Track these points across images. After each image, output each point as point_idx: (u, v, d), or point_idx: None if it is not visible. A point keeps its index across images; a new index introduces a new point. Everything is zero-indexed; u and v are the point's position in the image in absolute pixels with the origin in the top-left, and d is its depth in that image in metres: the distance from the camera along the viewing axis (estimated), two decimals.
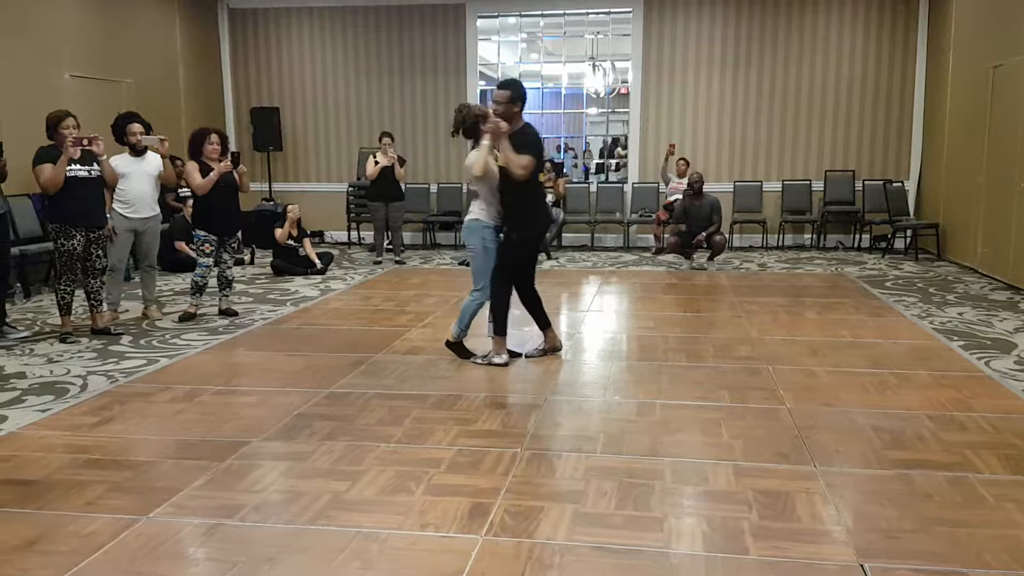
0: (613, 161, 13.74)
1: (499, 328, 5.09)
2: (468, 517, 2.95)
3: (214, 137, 6.44)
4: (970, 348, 5.38)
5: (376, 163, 9.31)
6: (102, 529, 2.89)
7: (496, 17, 11.40)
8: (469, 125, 5.05)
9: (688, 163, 10.40)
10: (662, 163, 10.59)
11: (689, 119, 10.93)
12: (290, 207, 8.98)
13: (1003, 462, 3.43)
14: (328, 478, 3.32)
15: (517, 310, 5.21)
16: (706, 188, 9.28)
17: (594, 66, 12.03)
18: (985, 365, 4.96)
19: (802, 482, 3.25)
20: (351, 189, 11.09)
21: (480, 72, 11.47)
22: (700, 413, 4.11)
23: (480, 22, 11.28)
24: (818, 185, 10.74)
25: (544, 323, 5.28)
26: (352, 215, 11.15)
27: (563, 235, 10.86)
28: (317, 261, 8.91)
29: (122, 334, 5.98)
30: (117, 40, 9.37)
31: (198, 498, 3.15)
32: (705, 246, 9.09)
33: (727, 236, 9.74)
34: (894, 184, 10.22)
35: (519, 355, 5.22)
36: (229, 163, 6.44)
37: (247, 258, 9.77)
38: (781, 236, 10.81)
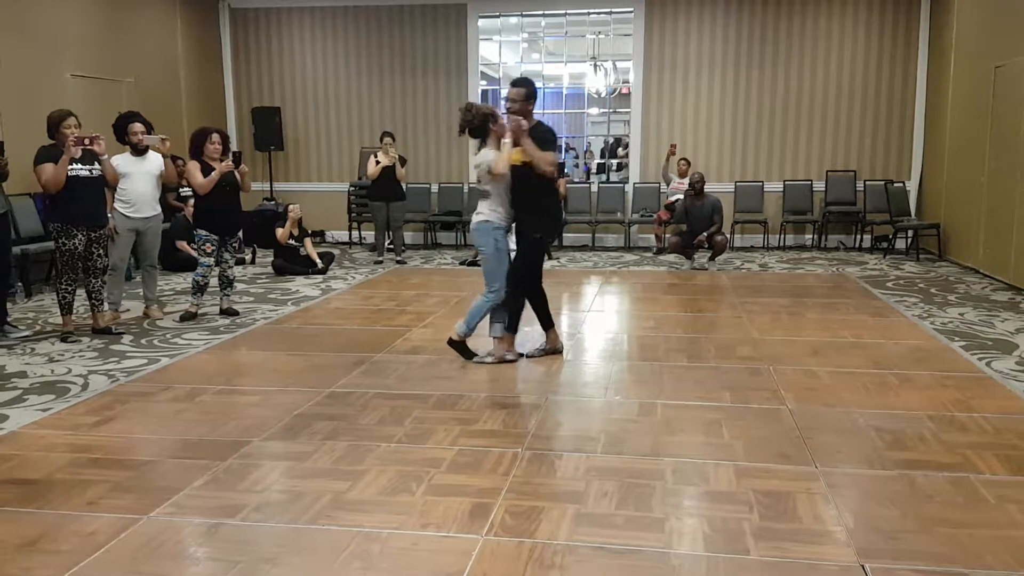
0: (614, 161, 13.73)
1: (513, 326, 5.13)
2: (469, 517, 2.95)
3: (215, 136, 6.44)
4: (971, 349, 5.38)
5: (377, 163, 9.31)
6: (103, 528, 2.89)
7: (497, 17, 11.40)
8: (478, 124, 4.97)
9: (689, 163, 10.40)
10: (663, 163, 10.58)
11: (690, 119, 10.93)
12: (291, 207, 8.98)
13: (1004, 463, 3.43)
14: (329, 478, 3.32)
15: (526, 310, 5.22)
16: (707, 188, 9.28)
17: (595, 66, 12.04)
18: (986, 366, 4.96)
19: (803, 483, 3.25)
20: (352, 189, 11.09)
21: (481, 72, 11.47)
22: (701, 413, 4.11)
23: (481, 22, 11.27)
24: (819, 185, 10.73)
25: (547, 323, 5.28)
26: (353, 215, 11.15)
27: (564, 235, 10.85)
28: (318, 261, 8.91)
29: (123, 333, 5.98)
30: (118, 40, 9.37)
31: (199, 498, 3.15)
32: (706, 246, 9.09)
33: (728, 236, 9.74)
34: (895, 184, 10.21)
35: (520, 355, 5.21)
36: (230, 163, 6.44)
37: (248, 258, 9.78)
38: (782, 236, 10.81)
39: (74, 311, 5.93)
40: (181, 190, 8.84)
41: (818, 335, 5.80)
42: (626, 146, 12.06)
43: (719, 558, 2.66)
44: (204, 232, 6.45)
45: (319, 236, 11.23)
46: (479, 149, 5.06)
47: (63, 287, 5.77)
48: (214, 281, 6.71)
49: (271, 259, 9.08)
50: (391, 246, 9.91)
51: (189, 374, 4.94)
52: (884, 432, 3.81)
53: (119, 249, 6.41)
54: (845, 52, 10.55)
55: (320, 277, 8.64)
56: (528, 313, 5.27)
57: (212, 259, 6.49)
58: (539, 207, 5.04)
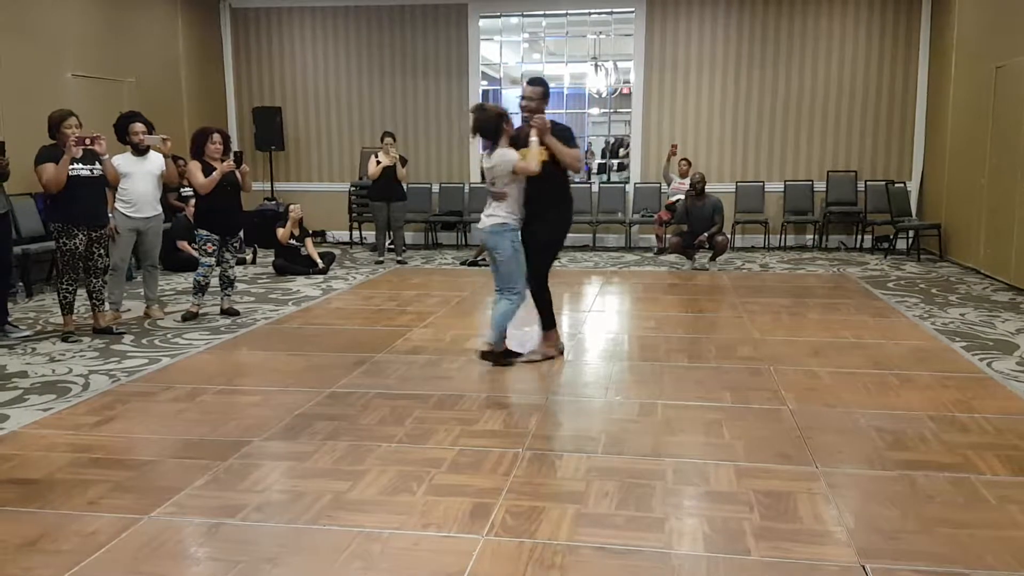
0: (615, 161, 13.73)
1: (548, 323, 5.17)
2: (470, 517, 2.95)
3: (216, 136, 6.44)
4: (972, 349, 5.38)
5: (378, 163, 9.32)
6: (104, 528, 2.89)
7: (498, 17, 11.40)
8: (492, 125, 4.88)
9: (690, 163, 10.40)
10: (664, 163, 10.59)
11: (691, 119, 10.93)
12: (292, 207, 8.98)
13: (1005, 463, 3.43)
14: (330, 478, 3.32)
15: (521, 310, 5.20)
16: (708, 188, 9.29)
17: (596, 66, 12.03)
18: (987, 366, 4.96)
19: (804, 483, 3.25)
20: (353, 189, 11.09)
21: (482, 72, 11.47)
22: (702, 414, 4.11)
23: (482, 22, 11.28)
24: (820, 186, 10.73)
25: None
26: (354, 215, 11.15)
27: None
28: (319, 261, 8.92)
29: (124, 333, 5.99)
30: (119, 39, 9.38)
31: (200, 497, 3.15)
32: (707, 246, 9.09)
33: (729, 236, 9.74)
34: (896, 185, 10.21)
35: (518, 354, 5.21)
36: (232, 162, 6.44)
37: (249, 258, 9.78)
38: (783, 236, 10.81)
39: (75, 311, 5.94)
40: (182, 190, 8.85)
41: (819, 335, 5.80)
42: (627, 146, 12.05)
43: (719, 558, 2.66)
44: (205, 232, 6.45)
45: (320, 236, 11.23)
46: (490, 150, 4.95)
47: (64, 287, 5.78)
48: (215, 281, 6.72)
49: (272, 259, 9.08)
50: (392, 246, 9.91)
51: (190, 374, 4.94)
52: (885, 432, 3.81)
53: (120, 249, 6.41)
54: (846, 52, 10.55)
55: (321, 277, 8.64)
56: (529, 315, 5.26)
57: (213, 259, 6.50)
58: (558, 206, 5.06)
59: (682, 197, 9.58)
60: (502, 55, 11.83)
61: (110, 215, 6.13)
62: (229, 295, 6.71)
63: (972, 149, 8.76)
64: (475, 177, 11.26)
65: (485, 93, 11.53)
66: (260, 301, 7.29)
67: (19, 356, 5.39)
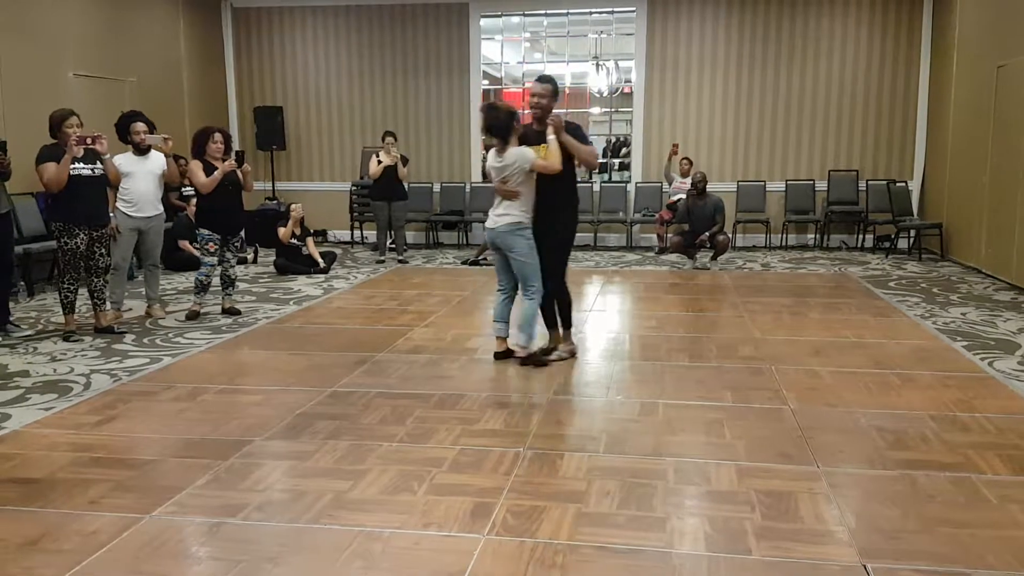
0: (616, 160, 13.73)
1: (568, 322, 5.22)
2: (471, 517, 2.95)
3: (218, 136, 6.44)
4: (973, 348, 5.37)
5: (379, 162, 9.32)
6: (105, 527, 2.89)
7: (499, 16, 11.40)
8: (505, 124, 4.84)
9: (691, 162, 10.40)
10: (665, 162, 10.59)
11: (692, 118, 10.92)
12: (293, 206, 8.99)
13: (1006, 463, 3.43)
14: (331, 477, 3.32)
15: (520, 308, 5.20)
16: (709, 188, 9.29)
17: (597, 65, 12.01)
18: (988, 366, 4.96)
19: (805, 482, 3.25)
20: (354, 188, 11.09)
21: (483, 71, 11.46)
22: (703, 413, 4.11)
23: (483, 21, 11.28)
24: (822, 185, 10.72)
25: (552, 322, 5.26)
26: (355, 214, 11.16)
27: None
28: (320, 260, 8.92)
29: (125, 333, 5.99)
30: (121, 39, 9.38)
31: (201, 497, 3.15)
32: (708, 246, 9.09)
33: (730, 236, 9.74)
34: (898, 184, 10.20)
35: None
36: (233, 162, 6.44)
37: (250, 257, 9.79)
38: (784, 236, 10.80)
39: (76, 310, 5.94)
40: (183, 189, 8.86)
41: (820, 335, 5.80)
42: (629, 144, 12.04)
43: (721, 558, 2.66)
44: (207, 232, 6.45)
45: (321, 235, 11.24)
46: (500, 148, 4.89)
47: (65, 286, 5.78)
48: (215, 280, 6.72)
49: (273, 258, 9.09)
50: (393, 246, 9.91)
51: (191, 373, 4.94)
52: (886, 432, 3.81)
53: (121, 248, 6.41)
54: (847, 52, 10.55)
55: (322, 276, 8.65)
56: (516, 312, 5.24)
57: (215, 258, 6.50)
58: (571, 204, 5.07)
59: (683, 196, 9.58)
60: (503, 54, 11.83)
61: (111, 214, 6.13)
62: (230, 294, 6.71)
63: (973, 148, 8.75)
64: (476, 177, 11.27)
65: (486, 93, 11.52)
66: (261, 300, 7.29)
67: (20, 355, 5.39)
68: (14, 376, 4.89)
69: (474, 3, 11.13)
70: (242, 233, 6.97)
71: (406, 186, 9.68)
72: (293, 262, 8.82)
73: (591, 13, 11.31)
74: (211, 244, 6.45)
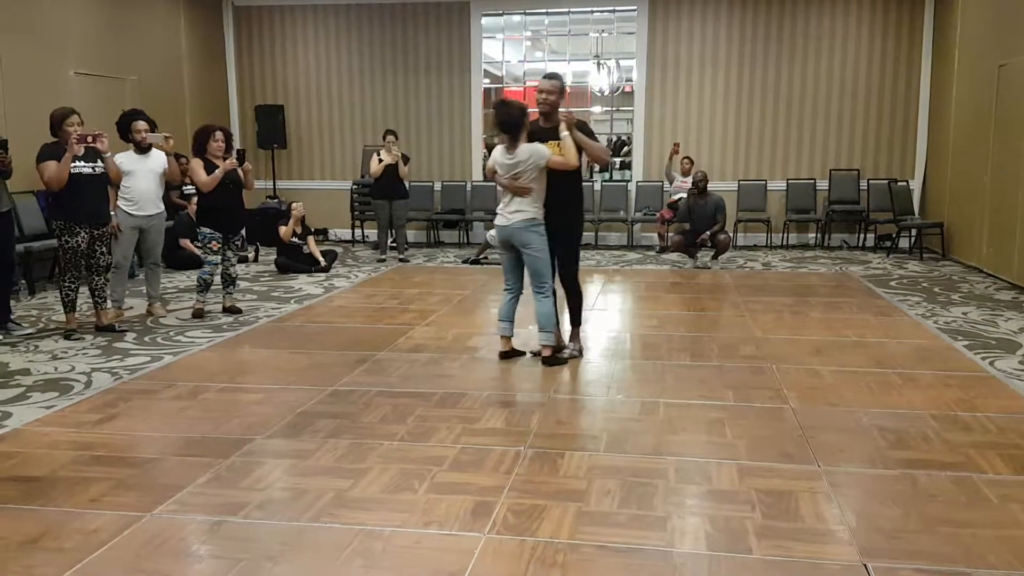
0: (617, 159, 13.72)
1: (578, 319, 5.26)
2: (471, 515, 2.95)
3: (218, 134, 6.44)
4: (975, 348, 5.37)
5: (380, 161, 9.33)
6: (106, 526, 2.89)
7: (500, 15, 11.39)
8: (518, 121, 4.82)
9: (692, 161, 10.40)
10: (666, 161, 10.59)
11: (693, 117, 10.92)
12: (294, 205, 8.99)
13: (1007, 462, 3.43)
14: (331, 476, 3.32)
15: (524, 308, 5.21)
16: (710, 187, 9.28)
17: (599, 64, 12.01)
18: (990, 365, 4.95)
19: (806, 482, 3.24)
20: (355, 187, 11.09)
21: (484, 70, 11.46)
22: (704, 412, 4.11)
23: (484, 20, 11.27)
24: (823, 184, 10.72)
25: (556, 320, 5.26)
26: (356, 213, 11.16)
27: None
28: (321, 259, 8.92)
29: (126, 331, 5.99)
30: (122, 37, 9.38)
31: (202, 495, 3.15)
32: (709, 245, 9.09)
33: (731, 235, 9.73)
34: (899, 183, 10.20)
35: (522, 353, 5.21)
36: (234, 160, 6.44)
37: (251, 256, 9.79)
38: (785, 235, 10.80)
39: (77, 309, 5.94)
40: (184, 188, 8.85)
41: (821, 334, 5.79)
42: (629, 143, 12.04)
43: (721, 557, 2.66)
44: (208, 230, 6.45)
45: (322, 234, 11.24)
46: (511, 146, 4.87)
47: (66, 285, 5.78)
48: (216, 279, 6.72)
49: (274, 257, 9.09)
50: (394, 244, 9.91)
51: (192, 372, 4.94)
52: (887, 431, 3.81)
53: (122, 247, 6.42)
54: (849, 51, 10.54)
55: (323, 275, 8.65)
56: (530, 314, 5.25)
57: (219, 257, 6.50)
58: (580, 201, 5.12)
59: (684, 195, 9.58)
60: (504, 53, 11.82)
61: (112, 213, 6.14)
62: (231, 293, 6.71)
63: (975, 148, 8.75)
64: (477, 175, 11.26)
65: (487, 91, 11.52)
66: (262, 299, 7.29)
67: (22, 354, 5.39)
68: (15, 374, 4.90)
69: (475, 2, 11.13)
70: (243, 231, 6.97)
71: (407, 185, 9.68)
72: (294, 261, 8.82)
73: (592, 12, 11.30)
74: (214, 243, 6.45)
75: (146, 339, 5.80)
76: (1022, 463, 3.42)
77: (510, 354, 5.15)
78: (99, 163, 5.75)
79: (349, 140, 11.64)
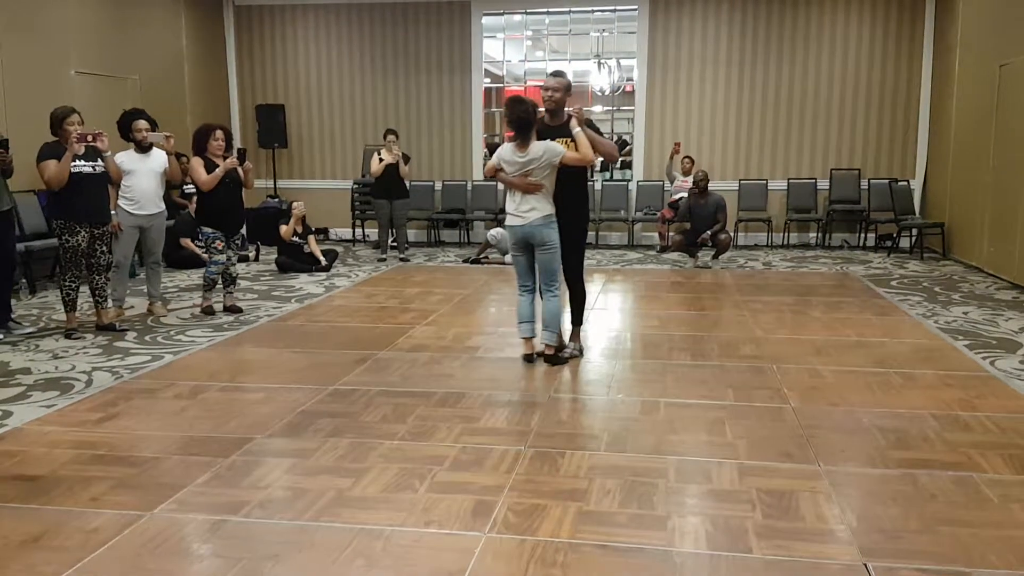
0: (618, 159, 13.72)
1: (581, 319, 5.26)
2: (472, 515, 2.95)
3: (219, 133, 6.44)
4: (975, 348, 5.37)
5: (381, 160, 9.33)
6: (106, 525, 2.89)
7: (501, 15, 11.39)
8: (532, 118, 4.80)
9: (693, 161, 10.39)
10: (667, 161, 10.58)
11: (694, 117, 10.92)
12: (295, 204, 8.99)
13: (1008, 462, 3.42)
14: (332, 475, 3.32)
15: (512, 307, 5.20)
16: (711, 186, 9.28)
17: (599, 64, 12.01)
18: (990, 365, 4.95)
19: (806, 481, 3.24)
20: (356, 186, 11.10)
21: (485, 70, 11.46)
22: (704, 412, 4.11)
23: (485, 19, 11.27)
24: (823, 184, 10.72)
25: (560, 320, 5.26)
26: (357, 212, 11.16)
27: None
28: (322, 258, 8.92)
29: (127, 330, 5.99)
30: (123, 37, 9.38)
31: (202, 494, 3.15)
32: (710, 244, 9.08)
33: (732, 234, 9.73)
34: (900, 183, 10.19)
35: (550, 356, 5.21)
36: (234, 159, 6.44)
37: (252, 255, 9.79)
38: (786, 235, 10.79)
39: (78, 308, 5.94)
40: (185, 187, 8.85)
41: (822, 334, 5.79)
42: (630, 143, 12.03)
43: (722, 557, 2.66)
44: (210, 230, 6.45)
45: (323, 233, 11.24)
46: (521, 144, 4.83)
47: (67, 284, 5.78)
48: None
49: (275, 256, 9.09)
50: (394, 244, 9.91)
51: (193, 371, 4.94)
52: (887, 431, 3.81)
53: (123, 246, 6.42)
54: (849, 50, 10.53)
55: (323, 274, 8.65)
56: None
57: (224, 255, 6.50)
58: (586, 199, 5.17)
59: (685, 195, 9.57)
60: (505, 53, 11.82)
61: (113, 212, 6.14)
62: (232, 292, 6.71)
63: (976, 147, 8.74)
64: (478, 175, 11.26)
65: (488, 91, 11.51)
66: (263, 298, 7.30)
67: (22, 353, 5.40)
68: (16, 373, 4.90)
69: (476, 1, 11.13)
70: (243, 230, 6.97)
71: (408, 184, 9.68)
72: (295, 260, 8.82)
73: (593, 11, 11.30)
74: (218, 242, 6.45)
75: (147, 338, 5.80)
76: (1022, 463, 3.42)
77: (535, 357, 5.05)
78: (99, 162, 5.75)
79: (350, 139, 11.64)
